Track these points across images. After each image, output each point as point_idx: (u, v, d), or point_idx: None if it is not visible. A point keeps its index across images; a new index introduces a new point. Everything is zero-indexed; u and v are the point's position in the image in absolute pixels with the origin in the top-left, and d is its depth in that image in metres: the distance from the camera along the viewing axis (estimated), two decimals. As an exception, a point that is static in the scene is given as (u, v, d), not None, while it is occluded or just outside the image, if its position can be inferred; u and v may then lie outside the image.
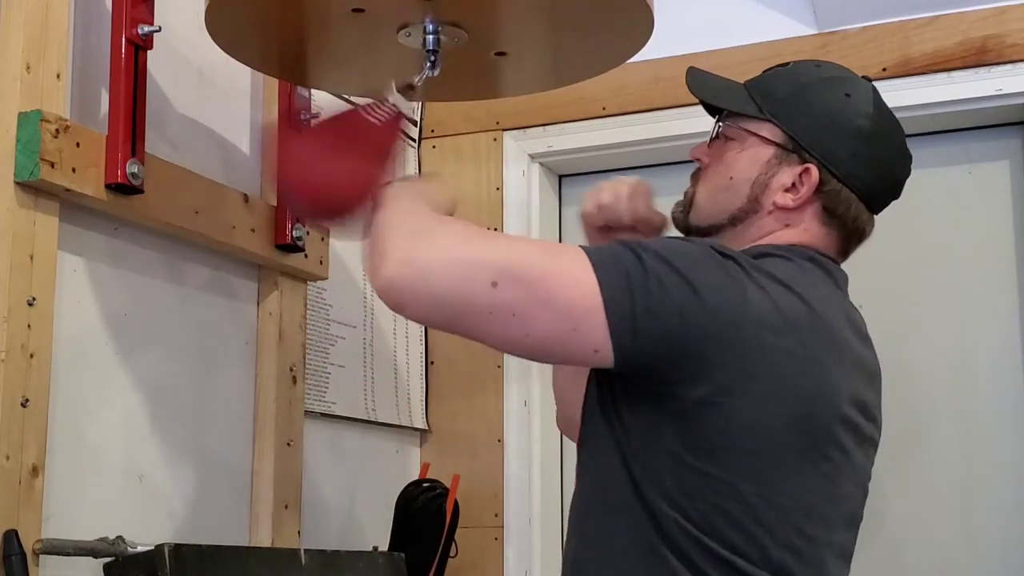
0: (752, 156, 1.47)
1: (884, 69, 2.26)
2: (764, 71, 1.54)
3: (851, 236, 1.48)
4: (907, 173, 1.52)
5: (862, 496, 1.45)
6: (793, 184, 1.44)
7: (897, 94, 2.24)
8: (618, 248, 1.31)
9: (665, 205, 1.95)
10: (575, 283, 1.28)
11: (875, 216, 1.49)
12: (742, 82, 1.54)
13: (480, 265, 1.28)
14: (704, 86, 1.54)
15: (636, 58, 1.77)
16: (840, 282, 1.46)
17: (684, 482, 1.31)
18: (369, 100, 1.56)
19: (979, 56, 2.21)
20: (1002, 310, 2.27)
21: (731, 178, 1.47)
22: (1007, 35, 2.20)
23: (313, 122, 1.69)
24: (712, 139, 1.53)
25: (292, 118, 2.02)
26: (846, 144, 1.44)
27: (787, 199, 1.44)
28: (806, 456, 1.34)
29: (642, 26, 1.65)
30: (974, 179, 2.33)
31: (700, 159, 1.53)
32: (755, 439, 1.31)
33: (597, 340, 1.28)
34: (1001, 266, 2.29)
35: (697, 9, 2.40)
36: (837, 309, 1.41)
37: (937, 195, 2.30)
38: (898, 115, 2.32)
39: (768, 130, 1.46)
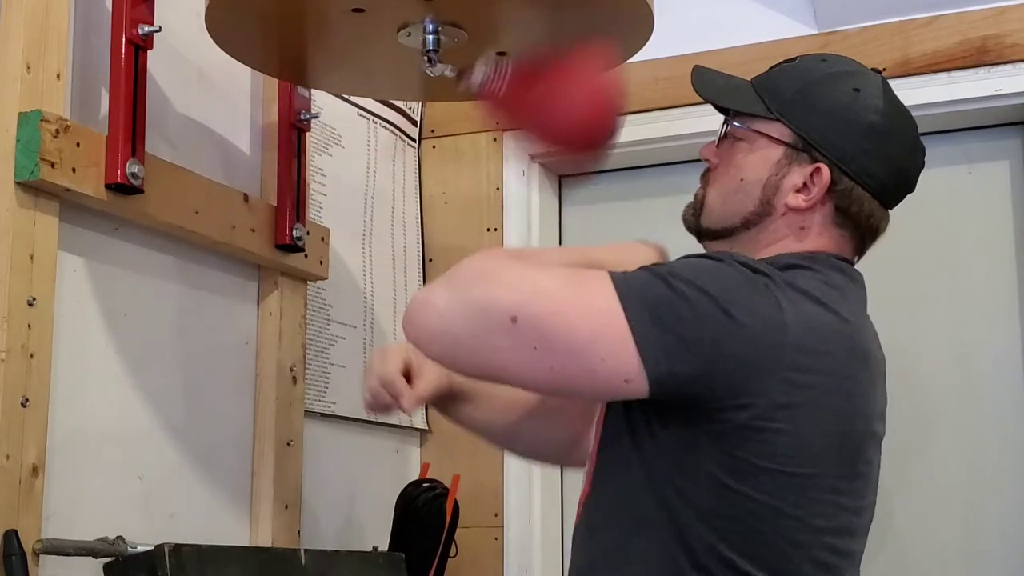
0: (762, 157, 1.44)
1: (884, 69, 2.23)
2: (771, 67, 1.51)
3: (865, 234, 1.45)
4: (920, 166, 1.49)
5: (875, 503, 1.44)
6: (804, 184, 1.41)
7: (897, 94, 2.24)
8: (645, 275, 1.28)
9: (665, 205, 1.96)
10: (598, 312, 1.25)
11: (890, 212, 1.47)
12: (748, 79, 1.51)
13: (499, 303, 1.25)
14: (710, 86, 1.51)
15: (636, 58, 1.77)
16: (862, 290, 1.43)
17: (721, 504, 1.29)
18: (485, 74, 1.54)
19: (979, 56, 2.21)
20: (1002, 310, 2.28)
21: (742, 180, 1.45)
22: (1007, 35, 2.20)
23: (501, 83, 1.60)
24: (720, 139, 1.50)
25: (293, 118, 2.02)
26: (857, 141, 1.41)
27: (799, 200, 1.41)
28: (842, 474, 1.34)
29: (642, 26, 1.65)
30: (974, 179, 2.33)
31: (709, 159, 1.50)
32: (795, 462, 1.30)
33: (627, 370, 1.25)
34: (1001, 266, 2.29)
35: (697, 9, 2.40)
36: (865, 323, 1.40)
37: (937, 195, 2.30)
38: (898, 115, 2.30)
39: (777, 130, 1.43)
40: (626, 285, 1.26)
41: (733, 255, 1.35)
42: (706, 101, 1.52)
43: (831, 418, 1.31)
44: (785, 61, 1.51)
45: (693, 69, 1.52)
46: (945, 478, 2.26)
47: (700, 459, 1.29)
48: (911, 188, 1.49)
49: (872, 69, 1.49)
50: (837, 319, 1.33)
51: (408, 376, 1.58)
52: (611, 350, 1.24)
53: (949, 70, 2.23)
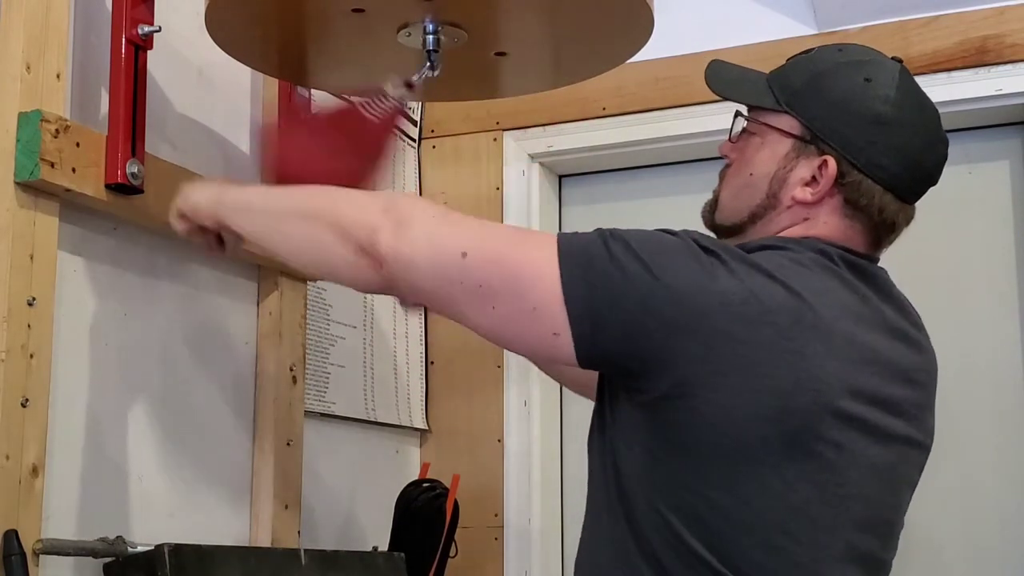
0: (771, 151, 1.42)
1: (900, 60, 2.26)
2: (788, 59, 1.48)
3: (879, 228, 1.42)
4: (942, 158, 1.45)
5: (892, 496, 1.39)
6: (813, 177, 1.39)
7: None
8: (591, 235, 1.31)
9: (665, 205, 1.96)
10: (537, 266, 1.29)
11: (914, 205, 1.45)
12: (766, 72, 1.48)
13: (455, 238, 1.32)
14: (722, 79, 1.48)
15: (636, 58, 1.77)
16: (852, 274, 1.37)
17: (657, 478, 1.29)
18: (366, 96, 1.57)
19: (979, 56, 2.21)
20: (1002, 310, 2.27)
21: (751, 175, 1.43)
22: (1007, 35, 2.20)
23: (309, 116, 1.71)
24: (737, 134, 1.48)
25: (291, 116, 2.02)
26: (862, 132, 1.38)
27: (806, 193, 1.39)
28: (785, 452, 1.27)
29: (642, 26, 1.65)
30: (974, 179, 2.33)
31: (727, 155, 1.48)
32: (725, 433, 1.26)
33: (555, 324, 1.27)
34: (1001, 266, 2.29)
35: (697, 9, 2.40)
36: (834, 299, 1.32)
37: (937, 195, 2.28)
38: (898, 115, 2.29)
39: (786, 122, 1.41)
40: (567, 244, 1.30)
41: (690, 232, 1.33)
42: (716, 95, 1.49)
43: (766, 389, 1.25)
44: (802, 52, 1.47)
45: (710, 63, 1.49)
46: (945, 478, 2.26)
47: (637, 432, 1.31)
48: (932, 181, 1.45)
49: (893, 58, 1.45)
50: (786, 292, 1.28)
51: None
52: (543, 300, 1.28)
53: (949, 70, 2.23)
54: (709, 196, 1.54)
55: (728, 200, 1.47)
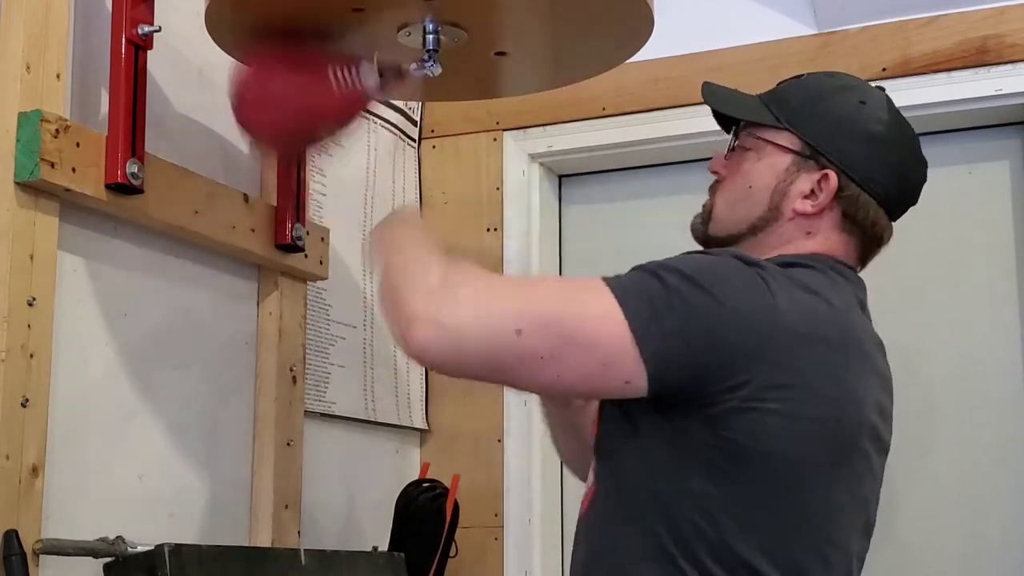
0: (770, 164, 1.48)
1: (884, 69, 2.26)
2: (778, 84, 1.56)
3: (870, 242, 1.49)
4: (923, 179, 1.53)
5: (876, 503, 1.46)
6: (812, 191, 1.45)
7: (897, 94, 2.21)
8: (638, 274, 1.30)
9: (665, 205, 1.96)
10: (600, 317, 1.27)
11: (893, 224, 1.51)
12: (755, 94, 1.55)
13: (504, 316, 1.27)
14: (719, 98, 1.55)
15: (636, 58, 1.77)
16: (859, 291, 1.47)
17: (715, 488, 1.31)
18: (343, 63, 1.57)
19: (979, 56, 2.21)
20: (1002, 310, 2.27)
21: (750, 187, 1.48)
22: (1007, 35, 2.20)
23: (279, 53, 1.67)
24: (729, 151, 1.53)
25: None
26: (862, 148, 1.46)
27: (806, 205, 1.45)
28: (835, 462, 1.35)
29: (642, 26, 1.65)
30: (974, 179, 2.33)
31: (718, 172, 1.54)
32: (787, 444, 1.31)
33: (628, 372, 1.27)
34: (1001, 266, 2.29)
35: (697, 9, 2.40)
36: (859, 317, 1.42)
37: (937, 195, 2.28)
38: (898, 115, 2.30)
39: (785, 138, 1.48)
40: (621, 287, 1.28)
41: (728, 249, 1.39)
42: (715, 115, 1.56)
43: (823, 403, 1.33)
44: (793, 78, 1.56)
45: (703, 84, 1.55)
46: (945, 477, 2.26)
47: (693, 443, 1.31)
48: (914, 200, 1.53)
49: (877, 87, 1.54)
50: (829, 307, 1.35)
51: None
52: (612, 353, 1.26)
53: (949, 70, 2.23)
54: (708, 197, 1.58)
55: (725, 212, 1.51)
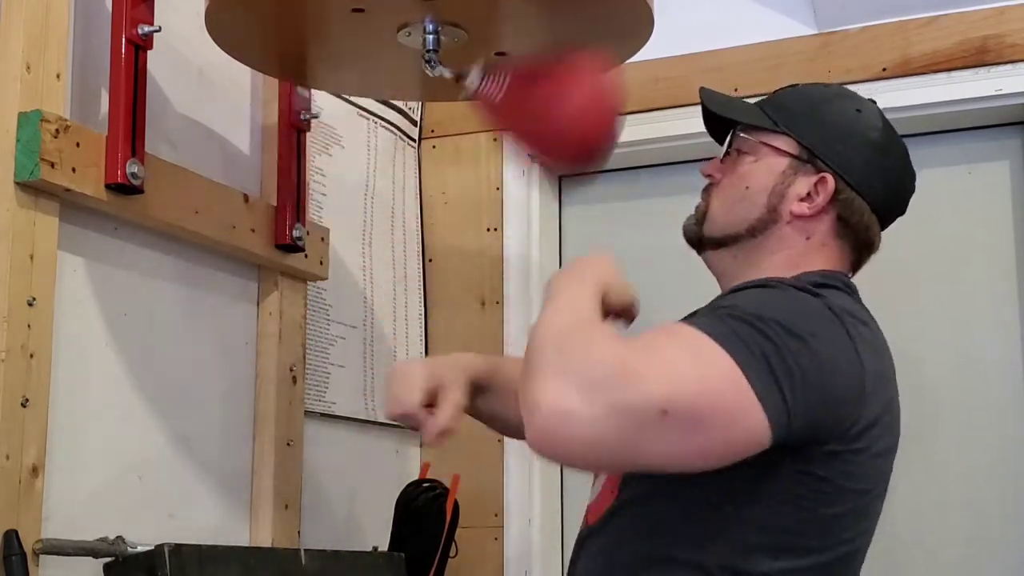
0: (767, 167, 1.49)
1: (884, 69, 2.26)
2: (774, 91, 1.58)
3: (862, 247, 1.51)
4: (913, 190, 1.55)
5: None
6: (808, 194, 1.47)
7: (897, 94, 2.24)
8: (741, 327, 1.25)
9: (665, 205, 1.96)
10: (730, 386, 1.22)
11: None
12: (752, 102, 1.57)
13: (645, 405, 1.18)
14: (715, 101, 1.56)
15: (636, 58, 1.77)
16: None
17: (791, 520, 1.32)
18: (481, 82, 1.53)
19: (979, 56, 2.21)
20: (1002, 310, 2.28)
21: (747, 188, 1.49)
22: (1007, 35, 2.20)
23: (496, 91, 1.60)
24: (724, 155, 1.54)
25: (293, 118, 2.02)
26: (859, 154, 1.48)
27: (803, 208, 1.47)
28: (885, 488, 1.43)
29: (642, 26, 1.65)
30: (974, 179, 2.33)
31: (712, 175, 1.55)
32: (866, 479, 1.37)
33: (756, 436, 1.24)
34: (1001, 266, 2.29)
35: (697, 9, 2.40)
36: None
37: (937, 195, 2.30)
38: (898, 115, 2.32)
39: (783, 142, 1.49)
40: (734, 348, 1.23)
41: (783, 281, 1.39)
42: (706, 122, 1.58)
43: (887, 433, 1.38)
44: (789, 86, 1.58)
45: (700, 89, 1.57)
46: (945, 478, 2.26)
47: (778, 480, 1.30)
48: (903, 210, 1.55)
49: (868, 100, 1.56)
50: (876, 336, 1.40)
51: (432, 397, 1.54)
52: (748, 422, 1.23)
53: (949, 70, 2.23)
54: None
55: (721, 213, 1.52)
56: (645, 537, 1.36)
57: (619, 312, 1.45)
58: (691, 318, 1.33)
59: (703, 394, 1.21)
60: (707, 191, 1.55)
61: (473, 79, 1.53)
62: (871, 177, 1.48)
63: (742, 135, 1.52)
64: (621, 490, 1.41)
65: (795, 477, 1.30)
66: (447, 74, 1.60)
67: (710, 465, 1.26)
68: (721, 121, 1.57)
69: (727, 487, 1.31)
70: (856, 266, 1.53)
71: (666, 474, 1.31)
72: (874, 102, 1.55)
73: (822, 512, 1.33)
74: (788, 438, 1.26)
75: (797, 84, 1.59)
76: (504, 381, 1.63)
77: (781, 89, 1.57)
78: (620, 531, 1.40)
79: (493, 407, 1.65)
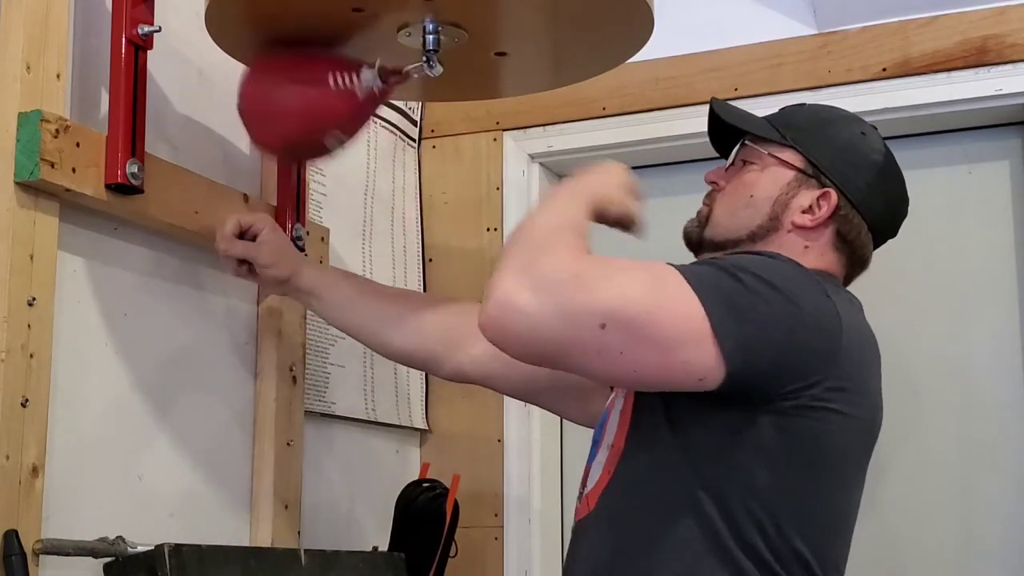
0: (773, 177, 1.54)
1: (884, 69, 2.26)
2: (781, 109, 1.63)
3: (856, 263, 1.56)
4: (905, 215, 1.61)
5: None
6: (811, 206, 1.52)
7: (897, 94, 2.25)
8: (715, 272, 1.32)
9: (665, 205, 1.96)
10: (682, 316, 1.27)
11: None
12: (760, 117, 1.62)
13: (589, 310, 1.26)
14: (728, 112, 1.60)
15: (636, 58, 1.77)
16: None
17: (774, 480, 1.35)
18: (344, 66, 1.57)
19: (979, 56, 2.21)
20: (1002, 310, 2.28)
21: (752, 196, 1.54)
22: (1007, 35, 2.20)
23: (281, 56, 1.69)
24: (730, 164, 1.59)
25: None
26: (862, 174, 1.53)
27: (805, 219, 1.52)
28: (862, 463, 1.46)
29: (642, 26, 1.65)
30: (974, 179, 2.33)
31: (716, 182, 1.60)
32: (841, 444, 1.39)
33: (705, 369, 1.28)
34: (1001, 266, 2.29)
35: (697, 9, 2.40)
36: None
37: (937, 195, 2.30)
38: (898, 115, 2.34)
39: (789, 155, 1.54)
40: (700, 283, 1.29)
41: (773, 253, 1.45)
42: (712, 130, 1.63)
43: (865, 403, 1.42)
44: (795, 104, 1.66)
45: (711, 100, 1.62)
46: (944, 477, 2.26)
47: (758, 438, 1.34)
48: (895, 233, 1.61)
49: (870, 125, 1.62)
50: (861, 315, 1.47)
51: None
52: (693, 352, 1.28)
53: (949, 70, 2.23)
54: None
55: (724, 217, 1.56)
56: (657, 517, 1.39)
57: (619, 223, 1.51)
58: None
59: (648, 314, 1.27)
60: (710, 196, 1.60)
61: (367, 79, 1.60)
62: (871, 197, 1.53)
63: (751, 145, 1.57)
64: (616, 472, 1.44)
65: (771, 432, 1.33)
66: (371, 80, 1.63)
67: (645, 385, 1.34)
68: (726, 132, 1.60)
69: (712, 451, 1.36)
70: (847, 280, 1.57)
71: (671, 452, 1.37)
72: (875, 127, 1.60)
73: (797, 469, 1.36)
74: (749, 379, 1.29)
75: (804, 103, 1.65)
76: (331, 293, 1.81)
77: (788, 107, 1.63)
78: (614, 514, 1.43)
79: (325, 313, 1.85)
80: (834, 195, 1.51)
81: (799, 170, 1.53)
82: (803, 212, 1.51)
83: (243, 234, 1.78)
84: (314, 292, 1.82)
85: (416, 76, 1.62)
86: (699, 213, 1.60)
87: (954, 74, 2.23)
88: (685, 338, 1.27)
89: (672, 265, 1.33)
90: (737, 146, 1.59)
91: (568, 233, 1.34)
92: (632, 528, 1.40)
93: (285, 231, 1.98)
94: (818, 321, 1.34)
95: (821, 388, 1.34)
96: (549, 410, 1.85)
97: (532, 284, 1.27)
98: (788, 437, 1.35)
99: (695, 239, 1.58)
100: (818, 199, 1.51)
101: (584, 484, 1.51)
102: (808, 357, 1.33)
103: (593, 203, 1.43)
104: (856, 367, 1.40)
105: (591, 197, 1.44)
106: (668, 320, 1.27)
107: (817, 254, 1.52)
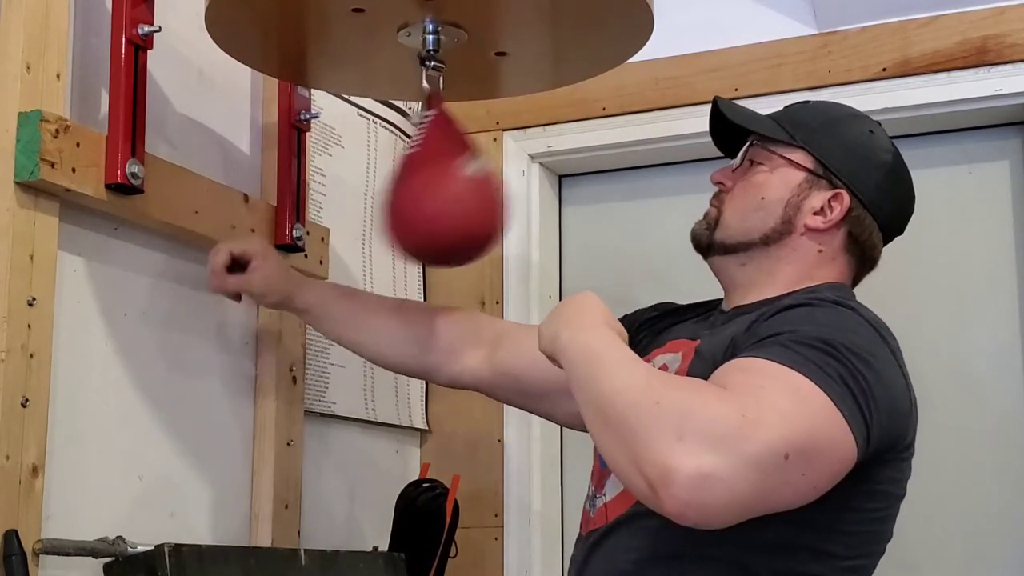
0: (783, 179, 1.52)
1: (884, 69, 2.26)
2: (785, 107, 1.60)
3: (865, 264, 1.56)
4: (912, 212, 1.59)
5: None
6: (822, 208, 1.50)
7: (897, 94, 2.25)
8: (820, 358, 1.27)
9: (665, 205, 1.96)
10: (833, 423, 1.24)
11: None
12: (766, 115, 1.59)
13: (772, 449, 1.18)
14: (734, 111, 1.58)
15: (636, 58, 1.77)
16: None
17: (839, 522, 1.36)
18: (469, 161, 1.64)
19: (979, 56, 2.21)
20: (1002, 310, 2.27)
21: (762, 198, 1.52)
22: (1007, 35, 2.20)
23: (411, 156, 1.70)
24: (737, 165, 1.56)
25: (293, 118, 2.02)
26: (873, 174, 1.52)
27: (818, 221, 1.50)
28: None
29: (642, 26, 1.64)
30: (974, 179, 2.33)
31: (723, 183, 1.57)
32: (904, 486, 1.43)
33: (849, 459, 1.27)
34: (1001, 266, 2.28)
35: (697, 9, 2.40)
36: None
37: (937, 195, 2.30)
38: (898, 115, 2.33)
39: (799, 156, 1.52)
40: (824, 382, 1.25)
41: (822, 299, 1.41)
42: (714, 130, 1.60)
43: (913, 443, 1.43)
44: (800, 102, 1.62)
45: (715, 98, 1.59)
46: (944, 478, 2.26)
47: (836, 487, 1.30)
48: (901, 231, 1.59)
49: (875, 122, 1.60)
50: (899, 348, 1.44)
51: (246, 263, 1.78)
52: (843, 448, 1.26)
53: (949, 70, 2.23)
54: (709, 196, 1.59)
55: (735, 220, 1.54)
56: (681, 533, 1.28)
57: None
58: (753, 347, 1.31)
59: (812, 430, 1.22)
60: (717, 198, 1.57)
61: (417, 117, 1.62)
62: (882, 197, 1.52)
63: (759, 146, 1.55)
64: (632, 515, 1.41)
65: (849, 481, 1.30)
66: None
67: (818, 496, 1.27)
68: (731, 131, 1.58)
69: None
70: (855, 282, 1.56)
71: None
72: (880, 124, 1.58)
73: (871, 515, 1.38)
74: (866, 455, 1.30)
75: (808, 100, 1.63)
76: (329, 311, 1.84)
77: (793, 104, 1.61)
78: (647, 528, 1.38)
79: (323, 328, 1.88)
80: (846, 196, 1.49)
81: (810, 171, 1.51)
82: (815, 214, 1.50)
83: (235, 260, 1.79)
84: (310, 312, 1.85)
85: (433, 84, 1.66)
86: (707, 215, 1.56)
87: (954, 74, 2.22)
88: (837, 441, 1.25)
89: (764, 356, 1.27)
90: (745, 146, 1.56)
91: (673, 378, 1.30)
92: (656, 548, 1.37)
93: (285, 231, 1.98)
94: (899, 389, 1.36)
95: (905, 442, 1.39)
96: (544, 416, 1.84)
97: (707, 446, 1.15)
98: (867, 486, 1.35)
99: (704, 242, 1.55)
100: (830, 201, 1.50)
101: (600, 492, 1.47)
102: (901, 425, 1.36)
103: (609, 326, 1.35)
104: (915, 415, 1.42)
105: (612, 328, 1.35)
106: (823, 430, 1.24)
107: (830, 258, 1.51)
